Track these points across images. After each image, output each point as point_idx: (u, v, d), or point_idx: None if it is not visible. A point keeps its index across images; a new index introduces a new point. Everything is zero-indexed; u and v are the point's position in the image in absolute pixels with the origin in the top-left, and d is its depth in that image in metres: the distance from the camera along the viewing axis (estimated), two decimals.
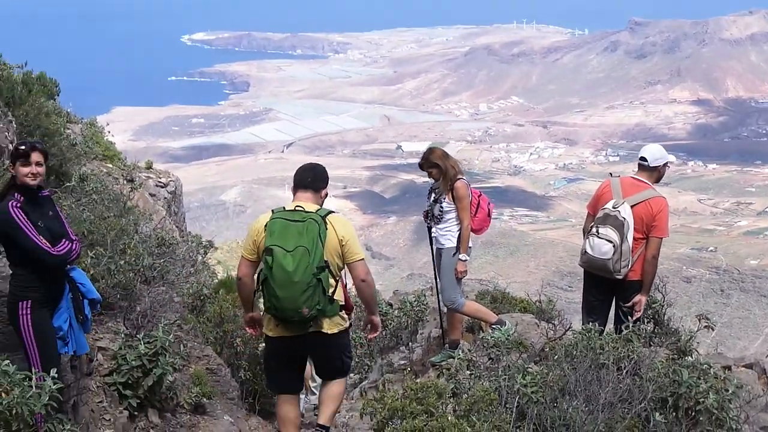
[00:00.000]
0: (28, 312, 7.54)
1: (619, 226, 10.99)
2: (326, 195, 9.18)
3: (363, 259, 8.79)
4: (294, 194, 9.04)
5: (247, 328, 9.59)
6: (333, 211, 8.88)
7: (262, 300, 8.69)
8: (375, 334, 9.51)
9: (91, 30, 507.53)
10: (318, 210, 8.71)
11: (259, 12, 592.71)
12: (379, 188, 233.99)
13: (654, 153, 11.66)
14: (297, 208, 8.67)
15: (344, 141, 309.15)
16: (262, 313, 9.08)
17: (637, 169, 11.58)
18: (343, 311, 8.86)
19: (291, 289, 8.18)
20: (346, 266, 8.79)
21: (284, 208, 8.74)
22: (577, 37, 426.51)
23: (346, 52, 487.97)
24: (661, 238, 11.44)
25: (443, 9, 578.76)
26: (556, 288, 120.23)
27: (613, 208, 11.06)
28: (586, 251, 11.25)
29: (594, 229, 11.08)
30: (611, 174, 11.62)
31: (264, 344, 9.58)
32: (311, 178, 9.07)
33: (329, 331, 8.71)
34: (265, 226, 8.57)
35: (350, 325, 9.20)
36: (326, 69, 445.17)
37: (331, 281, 8.55)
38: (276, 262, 8.21)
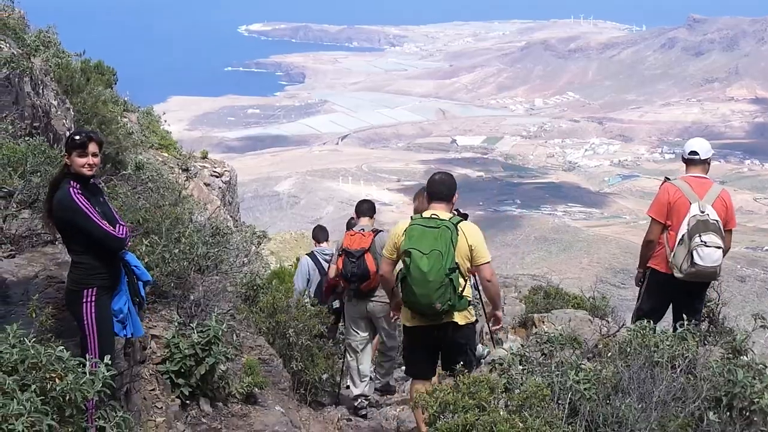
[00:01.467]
0: (93, 299, 7.54)
1: (717, 229, 10.85)
2: (456, 200, 10.11)
3: (489, 262, 9.75)
4: (429, 203, 9.95)
5: (392, 312, 10.78)
6: (464, 219, 9.89)
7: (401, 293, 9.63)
8: (498, 327, 10.65)
9: (149, 20, 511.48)
10: (451, 218, 9.63)
11: (316, 4, 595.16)
12: None
13: (704, 146, 11.65)
14: (433, 216, 9.62)
15: (399, 134, 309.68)
16: None
17: (687, 166, 11.43)
18: (470, 306, 9.87)
19: (426, 287, 9.21)
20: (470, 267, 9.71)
21: (421, 215, 9.75)
22: (634, 33, 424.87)
23: (402, 45, 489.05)
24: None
25: (500, 3, 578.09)
26: (609, 285, 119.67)
27: (702, 212, 10.86)
28: (695, 263, 10.76)
29: (697, 239, 10.70)
30: (667, 178, 11.38)
31: (404, 334, 10.41)
32: (445, 192, 9.95)
33: (460, 322, 9.73)
34: (405, 230, 9.61)
35: (476, 320, 10.30)
36: (382, 62, 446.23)
37: (461, 281, 9.48)
38: (413, 263, 9.25)
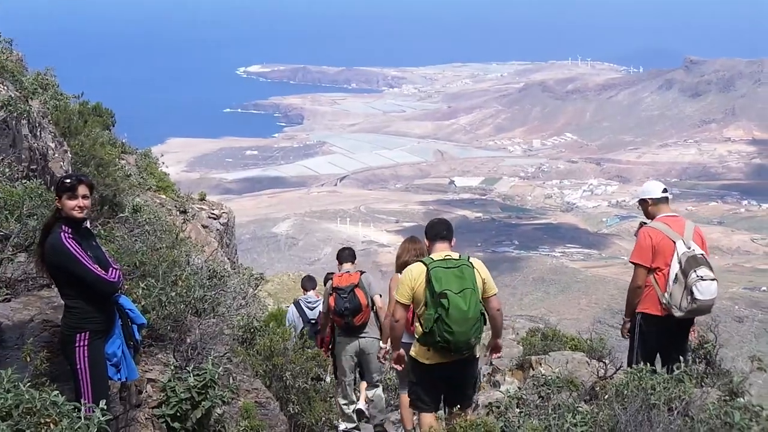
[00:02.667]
0: (86, 344, 7.55)
1: (707, 262, 10.91)
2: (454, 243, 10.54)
3: (497, 293, 10.29)
4: (431, 244, 10.43)
5: (395, 365, 10.99)
6: (470, 256, 10.26)
7: (425, 336, 9.90)
8: (498, 355, 11.08)
9: (147, 61, 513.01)
10: (461, 256, 10.12)
11: (314, 46, 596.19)
12: None
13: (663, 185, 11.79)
14: (446, 257, 10.05)
15: (397, 175, 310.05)
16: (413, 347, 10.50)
17: (655, 206, 11.43)
18: None
19: (465, 325, 9.61)
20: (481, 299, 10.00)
21: (433, 258, 10.07)
22: (631, 74, 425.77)
23: (400, 86, 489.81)
24: None
25: (498, 45, 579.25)
26: (607, 326, 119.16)
27: (689, 248, 10.89)
28: (696, 298, 10.74)
29: (693, 275, 10.68)
30: (643, 223, 11.39)
31: (414, 371, 10.54)
32: (446, 231, 10.50)
33: (477, 354, 10.44)
34: (427, 273, 9.84)
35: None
36: (380, 103, 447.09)
37: None
38: (452, 304, 9.53)
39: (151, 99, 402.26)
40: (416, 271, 10.04)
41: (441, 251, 10.26)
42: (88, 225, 8.08)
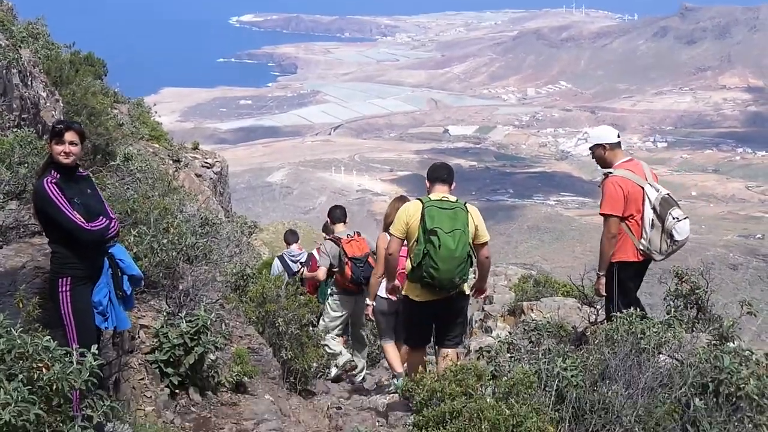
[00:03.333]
0: (68, 289, 7.56)
1: (675, 202, 10.90)
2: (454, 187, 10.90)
3: (488, 241, 10.67)
4: (431, 185, 10.77)
5: (390, 294, 11.60)
6: (467, 202, 10.59)
7: (413, 271, 10.31)
8: (482, 296, 12.28)
9: (141, 11, 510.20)
10: (457, 200, 10.46)
11: None
12: (425, 172, 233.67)
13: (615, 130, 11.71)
14: (443, 198, 10.41)
15: (391, 124, 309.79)
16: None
17: (611, 151, 11.16)
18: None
19: (451, 263, 10.02)
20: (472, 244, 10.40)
21: (430, 198, 10.45)
22: (626, 22, 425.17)
23: (393, 35, 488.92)
24: None
25: None
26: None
27: (658, 191, 10.81)
28: (676, 240, 10.74)
29: (670, 218, 10.60)
30: (606, 174, 11.11)
31: (405, 308, 11.12)
32: (446, 175, 10.81)
33: (466, 292, 10.75)
34: (422, 211, 10.24)
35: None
36: (374, 52, 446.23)
37: None
38: (442, 241, 9.96)
39: (144, 49, 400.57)
40: (412, 208, 10.47)
41: (439, 192, 10.58)
42: (82, 171, 8.08)
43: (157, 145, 25.37)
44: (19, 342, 5.67)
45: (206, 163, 28.61)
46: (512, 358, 8.63)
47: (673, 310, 9.39)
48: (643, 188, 10.81)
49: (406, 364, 12.26)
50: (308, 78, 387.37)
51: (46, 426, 5.52)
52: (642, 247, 10.74)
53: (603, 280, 10.84)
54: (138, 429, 8.33)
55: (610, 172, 10.88)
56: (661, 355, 8.32)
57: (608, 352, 8.07)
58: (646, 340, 8.26)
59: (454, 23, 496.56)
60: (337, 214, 15.59)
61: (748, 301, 10.71)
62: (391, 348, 13.56)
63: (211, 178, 28.03)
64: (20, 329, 5.85)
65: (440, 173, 10.82)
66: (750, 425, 7.41)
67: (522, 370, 7.45)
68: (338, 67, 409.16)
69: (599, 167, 11.32)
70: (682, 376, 7.75)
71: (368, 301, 13.65)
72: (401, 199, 12.94)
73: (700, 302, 11.98)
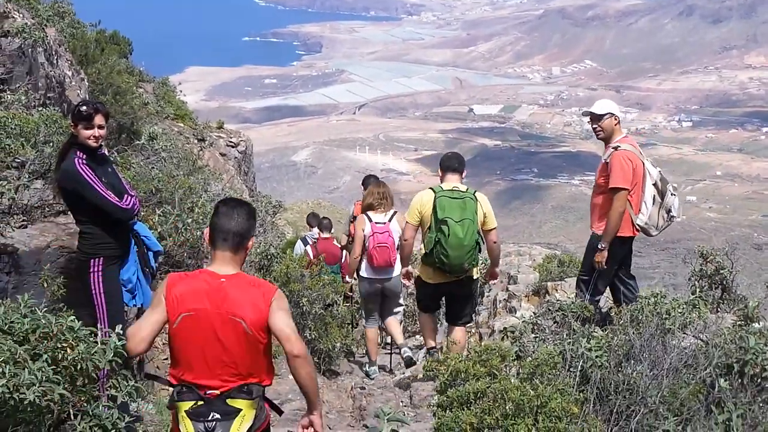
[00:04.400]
0: (101, 269, 7.57)
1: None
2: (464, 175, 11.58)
3: (496, 227, 11.47)
4: (443, 174, 11.42)
5: (404, 280, 12.48)
6: (476, 191, 11.35)
7: (426, 256, 11.24)
8: (494, 280, 13.39)
9: None
10: (468, 189, 11.19)
11: None
12: (450, 151, 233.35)
13: None
14: (454, 188, 11.11)
15: (416, 103, 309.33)
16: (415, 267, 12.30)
17: (616, 126, 11.03)
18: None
19: (461, 251, 10.87)
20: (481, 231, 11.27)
21: (442, 188, 11.16)
22: (652, 0, 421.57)
23: (419, 14, 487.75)
24: None
25: None
26: None
27: (655, 168, 11.03)
28: (673, 216, 11.01)
29: (668, 194, 10.81)
30: (616, 147, 10.99)
31: (419, 287, 12.16)
32: (458, 164, 11.45)
33: (474, 276, 11.64)
34: (434, 201, 11.01)
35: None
36: (399, 31, 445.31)
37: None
38: (451, 230, 10.78)
39: (169, 28, 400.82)
40: (426, 198, 11.21)
41: (450, 182, 11.27)
42: (105, 151, 8.09)
43: (181, 125, 25.41)
44: (43, 322, 5.66)
45: (231, 142, 28.62)
46: (537, 339, 8.61)
47: (697, 290, 9.36)
48: (644, 164, 10.83)
49: (419, 324, 13.33)
50: (333, 57, 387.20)
51: (70, 406, 5.52)
52: (641, 223, 10.71)
53: (605, 253, 10.74)
54: (162, 408, 8.35)
55: (618, 146, 10.73)
56: (686, 336, 8.30)
57: (633, 333, 8.04)
58: (671, 320, 8.24)
59: (479, 2, 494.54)
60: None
61: None
62: (371, 333, 14.01)
63: (235, 158, 28.04)
64: (45, 309, 5.85)
65: (452, 163, 11.44)
66: None
67: (546, 351, 7.43)
68: (363, 46, 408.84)
69: (598, 138, 11.17)
70: (707, 356, 7.72)
71: (348, 278, 14.59)
72: (378, 184, 13.96)
73: (724, 282, 11.95)
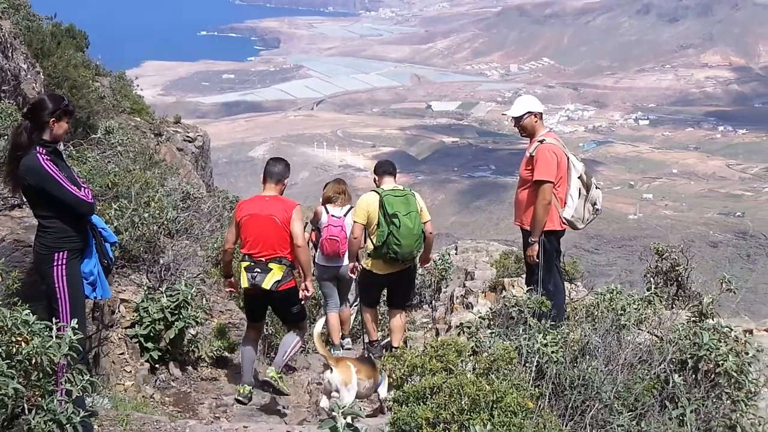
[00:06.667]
0: (64, 263, 7.53)
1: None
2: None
3: (430, 219, 12.81)
4: (381, 178, 12.72)
5: (351, 274, 13.55)
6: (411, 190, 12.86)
7: (376, 249, 12.41)
8: (426, 264, 14.12)
9: None
10: (405, 188, 12.68)
11: None
12: (408, 147, 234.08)
13: None
14: (395, 188, 12.53)
15: (374, 99, 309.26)
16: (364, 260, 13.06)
17: (539, 120, 11.08)
18: None
19: (411, 239, 12.26)
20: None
21: (384, 189, 12.47)
22: None
23: (377, 10, 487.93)
24: None
25: None
26: (582, 250, 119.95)
27: (580, 161, 11.07)
28: (598, 209, 11.10)
29: (593, 187, 10.95)
30: (541, 141, 10.91)
31: (367, 280, 13.15)
32: (392, 168, 12.89)
33: (417, 263, 13.28)
34: (380, 200, 12.27)
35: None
36: (357, 27, 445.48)
37: None
38: (402, 222, 12.14)
39: (126, 22, 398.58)
40: (371, 198, 12.46)
41: (389, 184, 12.65)
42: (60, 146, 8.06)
43: (138, 119, 25.28)
44: None
45: (188, 137, 28.50)
46: (493, 334, 8.64)
47: (653, 286, 9.39)
48: (568, 158, 10.90)
49: (363, 319, 13.89)
50: (291, 52, 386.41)
51: (24, 400, 5.49)
52: (568, 216, 10.75)
53: (536, 247, 10.73)
54: (117, 403, 8.32)
55: (543, 140, 10.77)
56: (641, 332, 8.36)
57: (588, 328, 8.09)
58: (627, 316, 8.29)
59: None
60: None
61: (728, 278, 10.74)
62: (332, 318, 14.71)
63: (192, 153, 27.92)
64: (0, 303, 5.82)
65: (387, 167, 12.85)
66: (728, 401, 7.45)
67: (502, 346, 7.45)
68: (321, 42, 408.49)
69: (522, 137, 11.31)
70: (662, 352, 7.79)
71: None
72: (337, 182, 15.14)
73: (680, 279, 12.06)
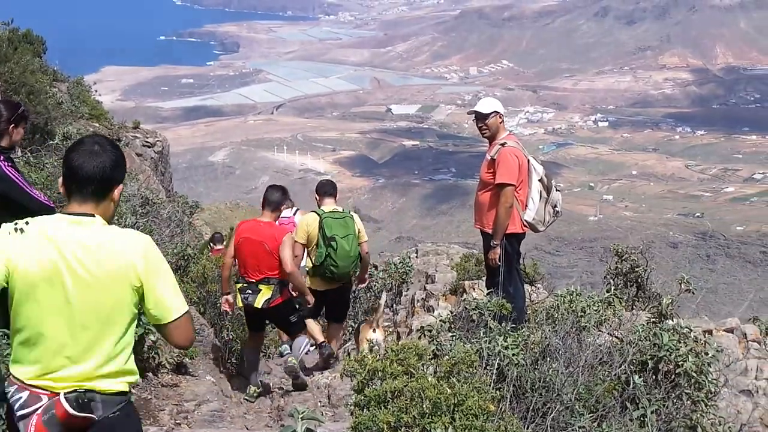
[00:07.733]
0: None
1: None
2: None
3: (367, 240, 13.51)
4: (321, 198, 13.25)
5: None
6: (350, 211, 13.68)
7: (315, 268, 12.93)
8: (363, 285, 14.74)
9: None
10: (344, 210, 13.27)
11: None
12: (368, 151, 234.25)
13: None
14: (334, 210, 13.04)
15: (334, 103, 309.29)
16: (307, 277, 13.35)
17: (501, 122, 11.05)
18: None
19: (347, 261, 12.84)
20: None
21: (324, 210, 12.99)
22: (567, 1, 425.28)
23: (336, 13, 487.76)
24: None
25: None
26: (543, 252, 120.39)
27: (540, 164, 11.12)
28: (558, 211, 11.16)
29: (554, 190, 11.01)
30: (502, 144, 10.89)
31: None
32: (333, 189, 13.40)
33: (352, 280, 13.75)
34: (320, 221, 12.76)
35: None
36: (316, 31, 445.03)
37: None
38: (339, 244, 12.67)
39: (84, 27, 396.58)
40: (311, 219, 12.98)
41: (329, 205, 13.16)
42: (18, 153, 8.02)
43: (97, 125, 25.12)
44: None
45: (147, 142, 28.36)
46: (454, 337, 8.64)
47: (613, 288, 9.45)
48: (528, 160, 10.96)
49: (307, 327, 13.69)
50: (250, 57, 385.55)
51: None
52: (529, 219, 10.80)
53: (498, 250, 10.74)
54: None
55: (505, 143, 10.81)
56: (601, 333, 8.40)
57: (549, 331, 8.11)
58: (587, 318, 8.33)
59: (396, 2, 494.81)
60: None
61: (687, 279, 10.81)
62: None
63: (152, 158, 27.79)
64: None
65: (328, 188, 13.39)
66: (688, 401, 7.51)
67: (463, 349, 7.46)
68: (281, 46, 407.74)
69: (483, 137, 11.26)
70: (622, 353, 7.83)
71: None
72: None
73: (639, 280, 12.14)
